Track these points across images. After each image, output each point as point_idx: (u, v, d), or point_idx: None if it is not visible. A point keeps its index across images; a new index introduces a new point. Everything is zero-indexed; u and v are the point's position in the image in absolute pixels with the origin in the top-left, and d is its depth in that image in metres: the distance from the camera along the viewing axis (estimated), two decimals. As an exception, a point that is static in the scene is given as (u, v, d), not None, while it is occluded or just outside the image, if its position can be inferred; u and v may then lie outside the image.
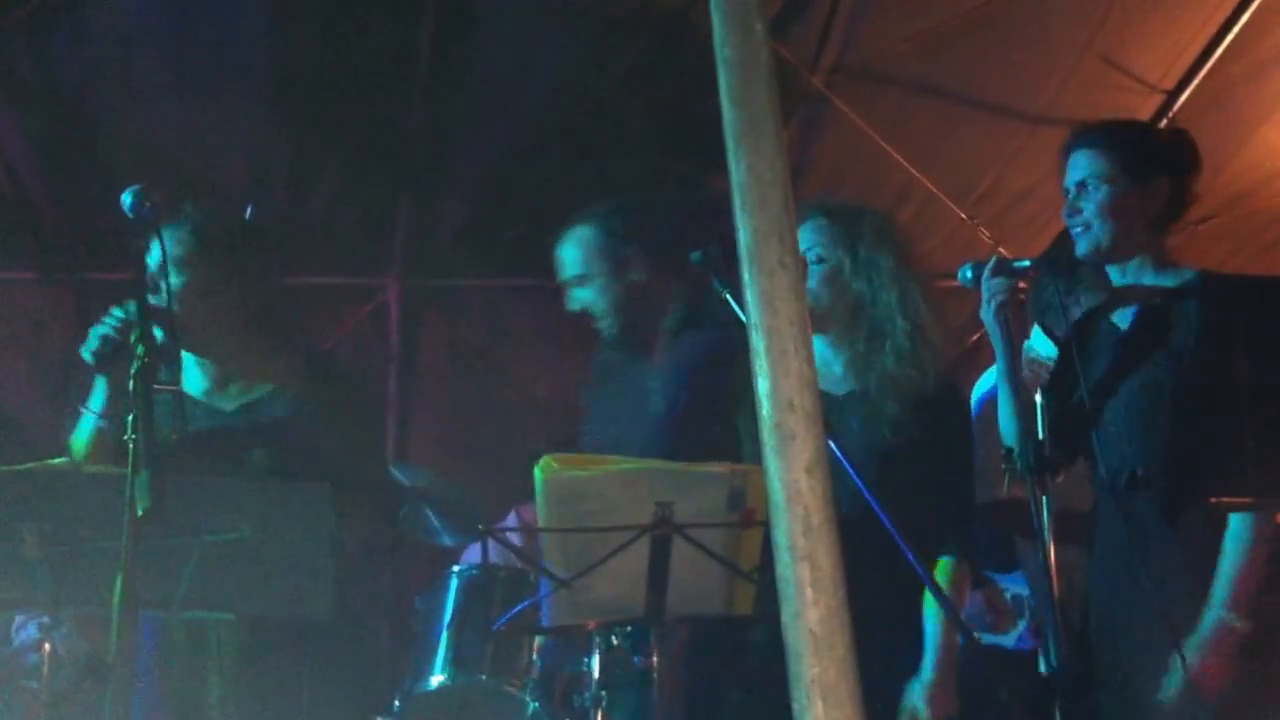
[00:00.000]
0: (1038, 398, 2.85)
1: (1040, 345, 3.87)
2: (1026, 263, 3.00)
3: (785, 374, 1.60)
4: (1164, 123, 4.75)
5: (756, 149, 1.69)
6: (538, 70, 4.28)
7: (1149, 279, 2.96)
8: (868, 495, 2.65)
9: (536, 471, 2.58)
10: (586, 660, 3.35)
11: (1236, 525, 2.70)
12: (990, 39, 4.52)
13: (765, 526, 2.76)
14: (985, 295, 2.95)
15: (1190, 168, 3.05)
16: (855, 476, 2.65)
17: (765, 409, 1.60)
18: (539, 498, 2.61)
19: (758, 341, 1.62)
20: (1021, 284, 2.96)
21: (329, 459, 2.91)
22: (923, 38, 4.46)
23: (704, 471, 2.67)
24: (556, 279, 3.55)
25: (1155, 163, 2.98)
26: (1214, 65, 4.59)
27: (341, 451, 2.96)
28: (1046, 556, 2.72)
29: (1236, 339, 2.76)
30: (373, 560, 3.54)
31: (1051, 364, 3.18)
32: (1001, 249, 4.75)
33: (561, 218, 3.55)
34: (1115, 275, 3.01)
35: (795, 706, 1.52)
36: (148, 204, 2.57)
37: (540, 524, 2.64)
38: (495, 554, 3.70)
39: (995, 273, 2.95)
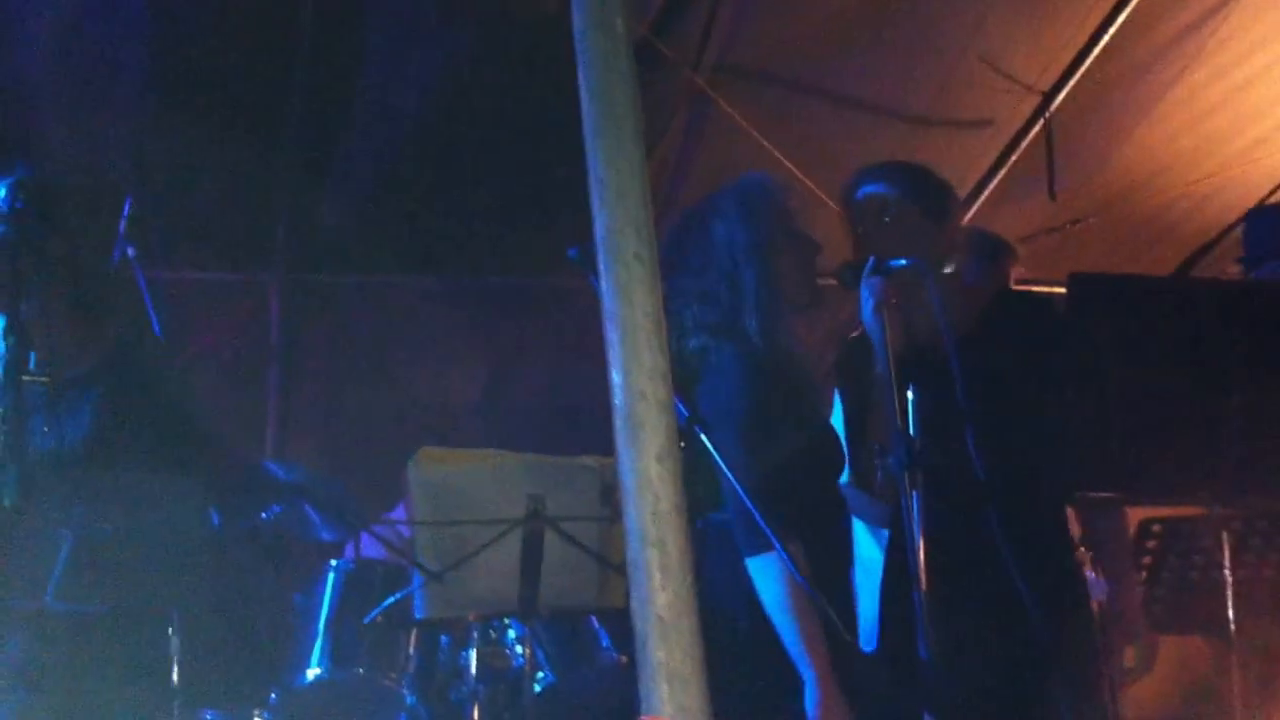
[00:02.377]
0: (910, 395, 2.89)
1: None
2: (904, 262, 3.06)
3: (638, 364, 1.62)
4: (1041, 123, 4.85)
5: (615, 143, 1.71)
6: (419, 67, 4.26)
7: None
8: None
9: (409, 465, 2.58)
10: (464, 654, 3.35)
11: (1110, 518, 2.80)
12: (872, 40, 4.59)
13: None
14: (863, 295, 3.00)
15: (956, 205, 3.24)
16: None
17: (618, 398, 1.61)
18: (411, 491, 2.61)
19: (612, 332, 1.64)
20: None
21: (134, 447, 2.82)
22: (805, 38, 4.52)
23: (575, 464, 2.68)
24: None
25: (939, 198, 3.13)
26: (1090, 66, 4.67)
27: (148, 440, 2.86)
28: (916, 552, 2.76)
29: (1098, 337, 2.83)
30: (251, 555, 3.51)
31: None
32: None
33: (444, 213, 3.55)
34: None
35: (641, 690, 1.54)
36: None
37: (413, 517, 2.64)
38: (375, 549, 3.70)
39: (873, 272, 2.99)
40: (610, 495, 2.63)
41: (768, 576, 2.77)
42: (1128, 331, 2.59)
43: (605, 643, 3.64)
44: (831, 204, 4.89)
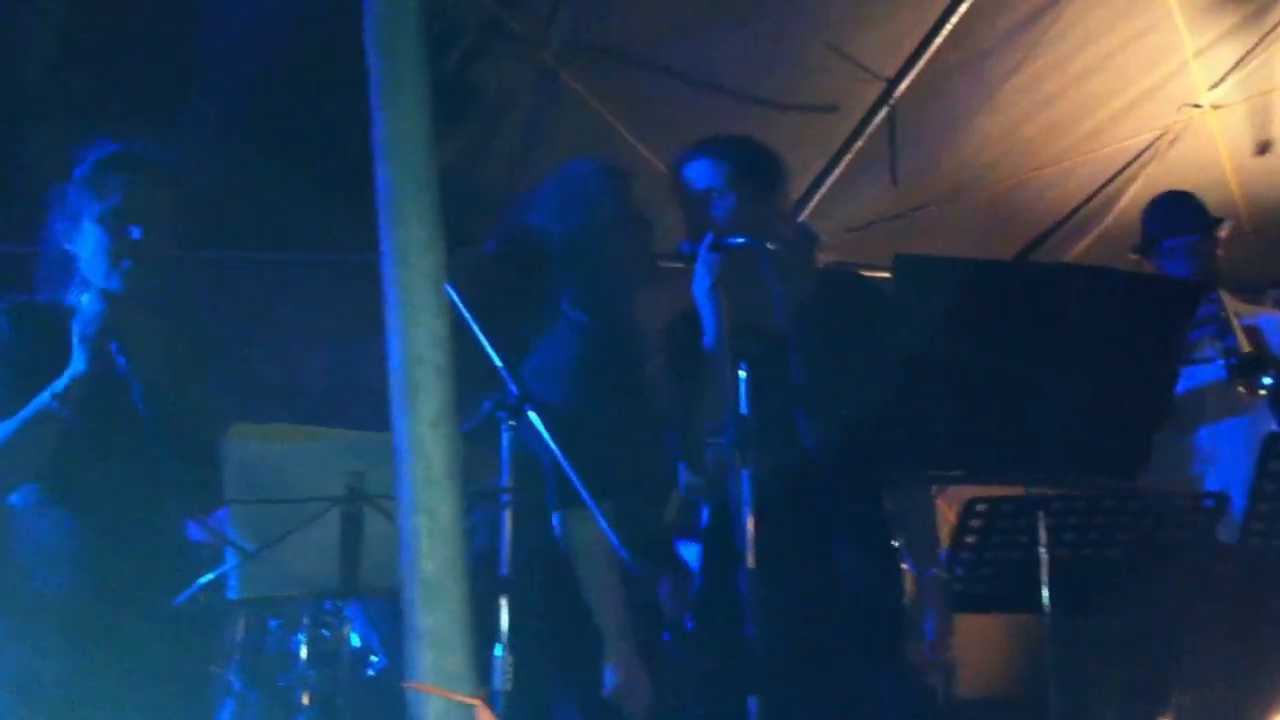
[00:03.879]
0: (741, 373, 2.91)
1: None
2: (740, 239, 3.07)
3: (416, 326, 1.59)
4: (885, 110, 4.91)
5: (400, 100, 1.68)
6: (253, 39, 4.15)
7: None
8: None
9: (219, 442, 2.52)
10: (293, 638, 3.29)
11: (915, 494, 2.85)
12: (721, 22, 4.59)
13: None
14: (699, 271, 3.01)
15: (788, 183, 3.30)
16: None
17: (394, 362, 1.58)
18: (226, 468, 2.55)
19: (391, 294, 1.61)
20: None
21: None
22: (655, 18, 4.50)
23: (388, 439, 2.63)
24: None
25: (770, 174, 3.19)
26: (933, 54, 4.72)
27: None
28: (744, 529, 2.77)
29: (921, 318, 2.87)
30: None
31: None
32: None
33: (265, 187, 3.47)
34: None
35: (407, 657, 1.51)
36: None
37: (227, 495, 2.58)
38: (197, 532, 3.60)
39: (711, 248, 3.00)
40: None
41: (575, 529, 2.81)
42: (950, 312, 2.62)
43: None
44: (680, 186, 4.93)
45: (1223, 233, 4.27)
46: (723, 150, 3.16)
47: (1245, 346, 4.19)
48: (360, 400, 3.43)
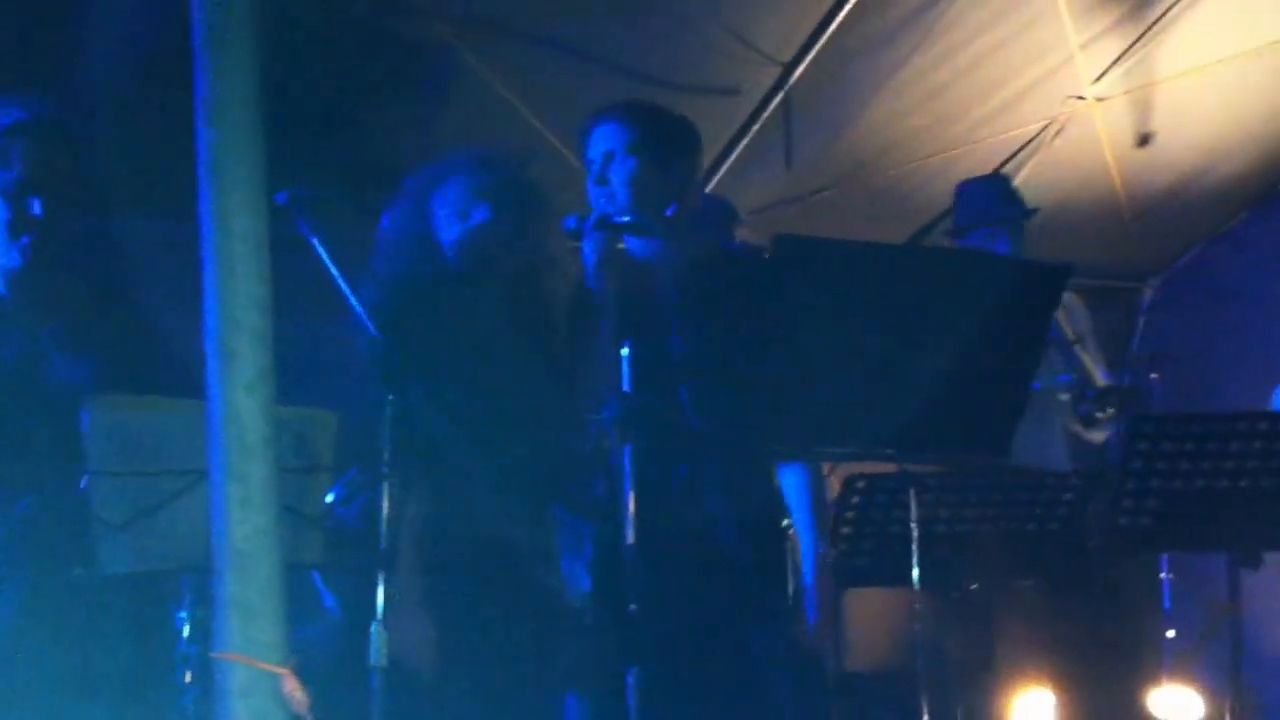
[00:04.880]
0: (624, 351, 2.95)
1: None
2: (628, 217, 3.10)
3: (233, 291, 1.59)
4: (781, 95, 4.98)
5: (224, 60, 1.67)
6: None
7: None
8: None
9: (83, 411, 2.48)
10: (177, 615, 3.27)
11: (800, 476, 2.91)
12: (621, 2, 4.62)
13: (332, 471, 2.79)
14: (586, 249, 3.03)
15: (697, 153, 3.29)
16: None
17: (210, 325, 1.58)
18: (88, 440, 2.50)
19: (208, 257, 1.60)
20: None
21: None
22: (553, -6, 4.53)
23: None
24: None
25: (675, 142, 3.19)
26: (828, 40, 4.79)
27: None
28: (627, 505, 2.82)
29: (804, 297, 2.93)
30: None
31: None
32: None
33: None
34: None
35: (215, 625, 1.52)
36: None
37: (95, 466, 2.54)
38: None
39: (598, 226, 3.03)
40: (304, 445, 2.60)
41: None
42: (828, 292, 2.68)
43: (329, 602, 3.60)
44: (576, 162, 4.96)
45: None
46: (627, 113, 3.16)
47: (1097, 366, 4.37)
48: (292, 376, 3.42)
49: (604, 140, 3.11)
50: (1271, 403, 4.35)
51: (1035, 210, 4.62)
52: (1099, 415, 4.32)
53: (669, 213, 3.14)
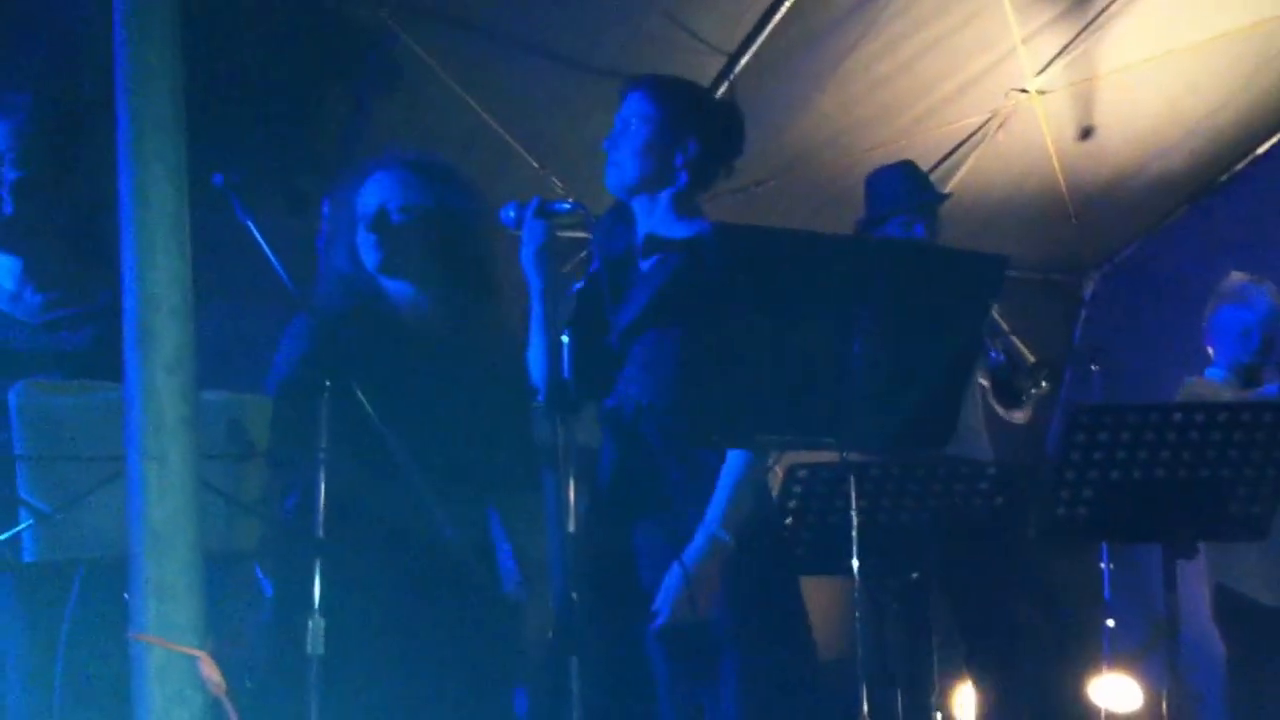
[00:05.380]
0: (564, 338, 2.93)
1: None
2: (567, 205, 3.09)
3: (152, 268, 1.56)
4: (725, 86, 4.96)
5: (144, 34, 1.62)
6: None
7: (670, 229, 3.09)
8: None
9: (11, 394, 2.44)
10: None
11: (733, 457, 2.89)
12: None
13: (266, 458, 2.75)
14: (525, 237, 3.01)
15: (725, 141, 3.17)
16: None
17: (129, 303, 1.56)
18: (15, 425, 2.46)
19: (127, 233, 1.57)
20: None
21: None
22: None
23: (199, 398, 2.59)
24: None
25: (692, 121, 3.11)
26: (772, 31, 4.79)
27: None
28: (564, 492, 2.81)
29: (742, 286, 2.92)
30: None
31: None
32: (572, 199, 4.85)
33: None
34: (642, 220, 3.13)
35: (132, 605, 1.50)
36: None
37: (20, 451, 2.49)
38: None
39: (536, 214, 3.01)
40: (239, 431, 2.57)
41: None
42: (765, 280, 2.67)
43: (270, 592, 3.57)
44: (519, 149, 4.95)
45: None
46: (660, 87, 3.15)
47: (1029, 356, 4.41)
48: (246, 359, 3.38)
49: (627, 106, 3.11)
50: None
51: (948, 195, 4.62)
52: (1033, 390, 4.34)
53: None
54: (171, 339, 1.54)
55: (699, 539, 2.86)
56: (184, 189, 1.58)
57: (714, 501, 2.87)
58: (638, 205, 3.12)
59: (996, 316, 4.40)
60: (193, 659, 1.52)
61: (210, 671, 1.55)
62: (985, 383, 4.52)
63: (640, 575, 2.95)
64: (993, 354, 4.39)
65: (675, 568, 2.83)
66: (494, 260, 3.23)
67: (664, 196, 3.09)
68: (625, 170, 3.09)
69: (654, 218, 3.11)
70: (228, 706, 1.67)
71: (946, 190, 4.84)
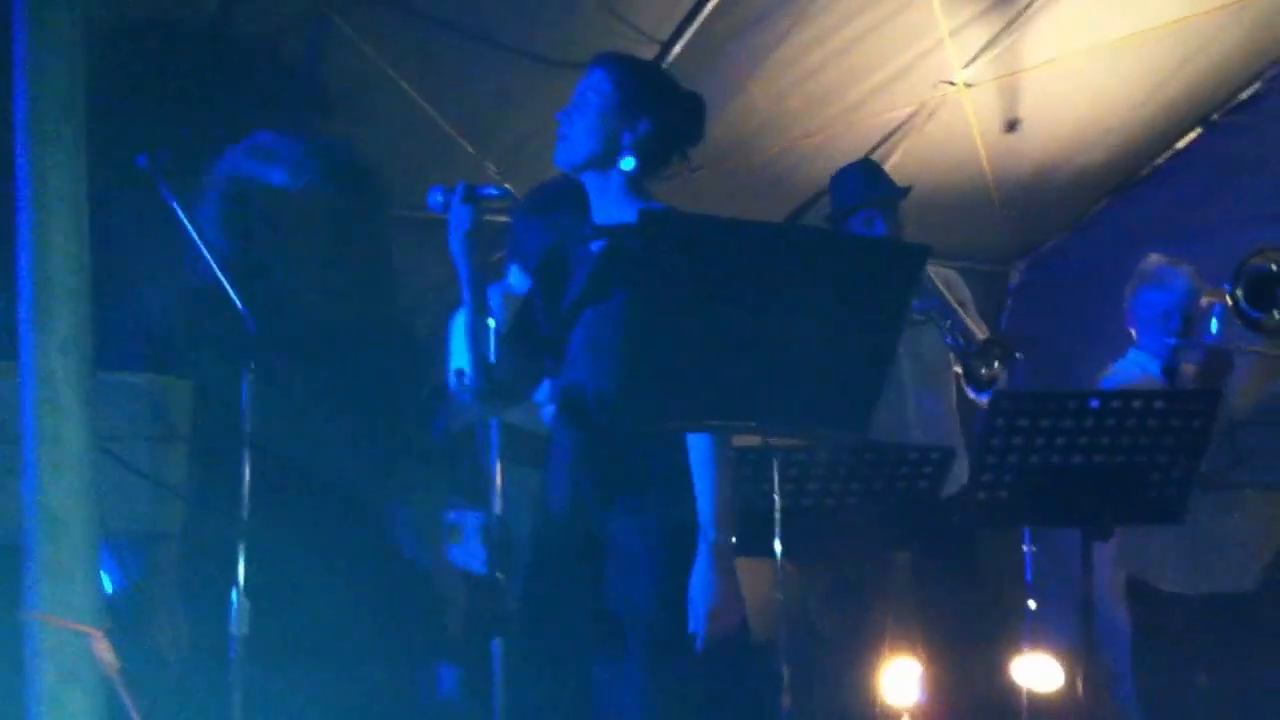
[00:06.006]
0: (491, 323, 2.97)
1: (517, 281, 4.04)
2: (494, 191, 3.12)
3: (48, 249, 1.58)
4: (661, 74, 5.00)
5: (45, 14, 1.63)
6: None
7: (620, 212, 3.12)
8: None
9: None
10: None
11: (699, 448, 2.90)
12: (497, -26, 4.62)
13: (190, 441, 2.77)
14: (451, 222, 3.04)
15: (681, 126, 3.20)
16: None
17: (24, 284, 1.57)
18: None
19: (24, 215, 1.58)
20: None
21: None
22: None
23: (122, 380, 2.59)
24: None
25: (647, 102, 3.13)
26: (705, 20, 4.82)
27: None
28: (494, 477, 2.85)
29: (681, 271, 2.96)
30: None
31: None
32: (509, 186, 4.87)
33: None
34: (596, 201, 3.15)
35: (26, 586, 1.51)
36: None
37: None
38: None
39: (464, 200, 3.03)
40: (163, 413, 2.58)
41: None
42: (690, 266, 2.71)
43: (119, 581, 3.56)
44: (455, 136, 4.95)
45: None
46: (620, 65, 3.21)
47: (973, 325, 4.49)
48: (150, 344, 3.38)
49: (585, 81, 3.16)
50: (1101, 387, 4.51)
51: (908, 189, 4.72)
52: (984, 371, 4.41)
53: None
54: (67, 320, 1.56)
55: (702, 554, 2.84)
56: (83, 171, 1.60)
57: (701, 506, 2.85)
58: (590, 185, 3.14)
59: (949, 298, 4.45)
60: (86, 638, 1.53)
61: (104, 651, 1.57)
62: (958, 369, 4.60)
63: (606, 564, 2.97)
64: (948, 339, 4.46)
65: (693, 589, 2.83)
66: (384, 245, 3.24)
67: (614, 177, 3.11)
68: (573, 145, 3.11)
69: (606, 198, 3.13)
70: (119, 686, 1.67)
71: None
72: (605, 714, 2.85)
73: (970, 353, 4.42)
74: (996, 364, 4.41)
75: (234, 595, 2.57)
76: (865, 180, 4.65)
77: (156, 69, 4.14)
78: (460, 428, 3.40)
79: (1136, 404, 3.63)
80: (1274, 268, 4.42)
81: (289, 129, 4.29)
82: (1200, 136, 5.96)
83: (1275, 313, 4.42)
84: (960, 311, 4.45)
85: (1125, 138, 5.88)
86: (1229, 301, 4.42)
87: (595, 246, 3.13)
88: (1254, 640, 4.48)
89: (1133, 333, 4.74)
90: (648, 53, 4.94)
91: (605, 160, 3.09)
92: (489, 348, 2.83)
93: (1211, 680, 4.51)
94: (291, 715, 2.77)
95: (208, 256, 2.69)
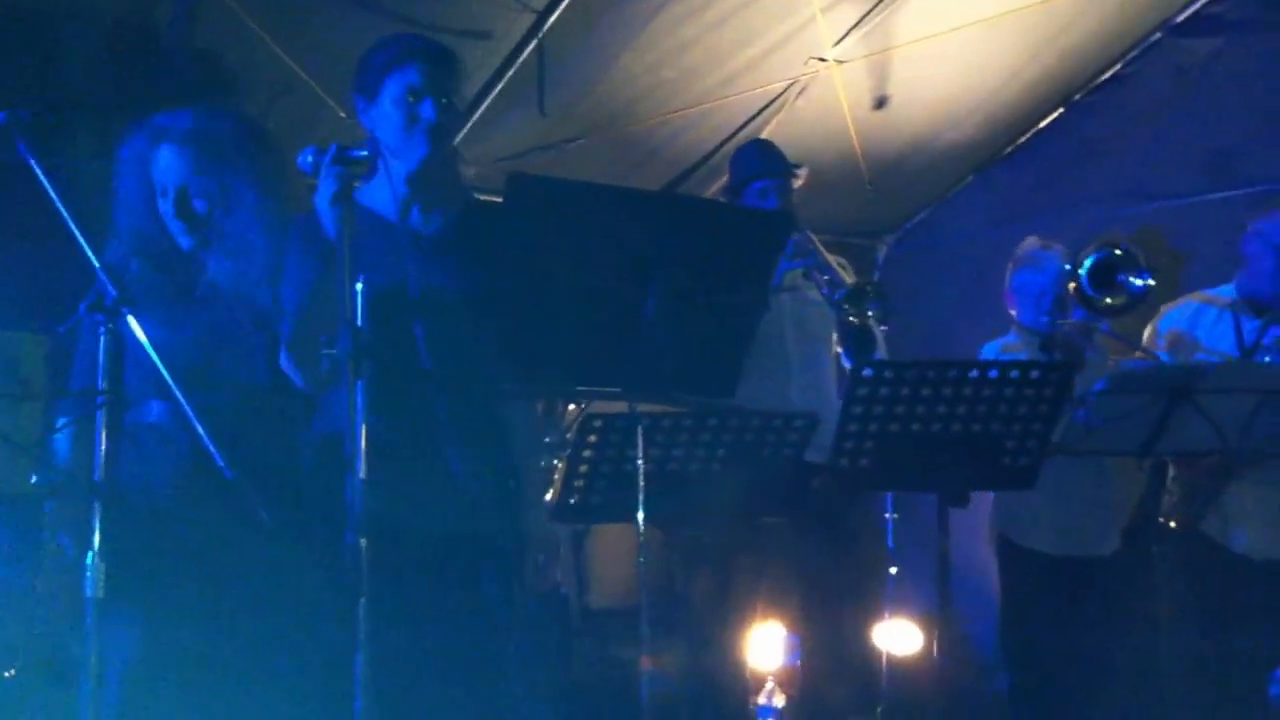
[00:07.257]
0: (359, 286, 2.97)
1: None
2: (364, 152, 3.11)
3: None
4: (535, 42, 5.02)
5: None
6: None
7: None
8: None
9: None
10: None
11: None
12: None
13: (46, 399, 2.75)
14: (321, 184, 3.03)
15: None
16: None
17: None
18: None
19: None
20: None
21: None
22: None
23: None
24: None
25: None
26: (581, -10, 4.87)
27: None
28: (358, 439, 2.84)
29: (536, 236, 2.99)
30: None
31: None
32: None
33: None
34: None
35: None
36: None
37: None
38: None
39: (334, 161, 3.03)
40: (14, 371, 2.56)
41: None
42: (558, 231, 2.74)
43: (62, 539, 3.52)
44: (330, 102, 4.91)
45: (799, 179, 4.66)
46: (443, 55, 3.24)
47: (848, 278, 4.58)
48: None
49: (410, 76, 3.16)
50: (980, 357, 4.65)
51: (800, 166, 4.79)
52: (853, 319, 4.48)
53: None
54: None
55: None
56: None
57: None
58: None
59: (825, 253, 4.52)
60: None
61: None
62: (839, 349, 4.69)
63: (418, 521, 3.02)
64: (824, 291, 4.53)
65: None
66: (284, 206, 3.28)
67: None
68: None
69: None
70: None
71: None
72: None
73: (842, 300, 4.48)
74: (870, 311, 4.48)
75: (89, 557, 2.57)
76: (761, 156, 4.73)
77: (21, 33, 4.05)
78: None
79: (992, 374, 3.74)
80: (1117, 252, 4.57)
81: (158, 95, 4.25)
82: (1062, 115, 6.13)
83: (1108, 298, 4.60)
84: (836, 267, 4.54)
85: (990, 116, 6.03)
86: (1071, 286, 4.59)
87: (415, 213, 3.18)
88: (1108, 601, 4.67)
89: (1013, 313, 4.89)
90: (524, 23, 4.97)
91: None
92: (357, 309, 2.83)
93: (1068, 639, 4.68)
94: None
95: (67, 216, 2.65)
